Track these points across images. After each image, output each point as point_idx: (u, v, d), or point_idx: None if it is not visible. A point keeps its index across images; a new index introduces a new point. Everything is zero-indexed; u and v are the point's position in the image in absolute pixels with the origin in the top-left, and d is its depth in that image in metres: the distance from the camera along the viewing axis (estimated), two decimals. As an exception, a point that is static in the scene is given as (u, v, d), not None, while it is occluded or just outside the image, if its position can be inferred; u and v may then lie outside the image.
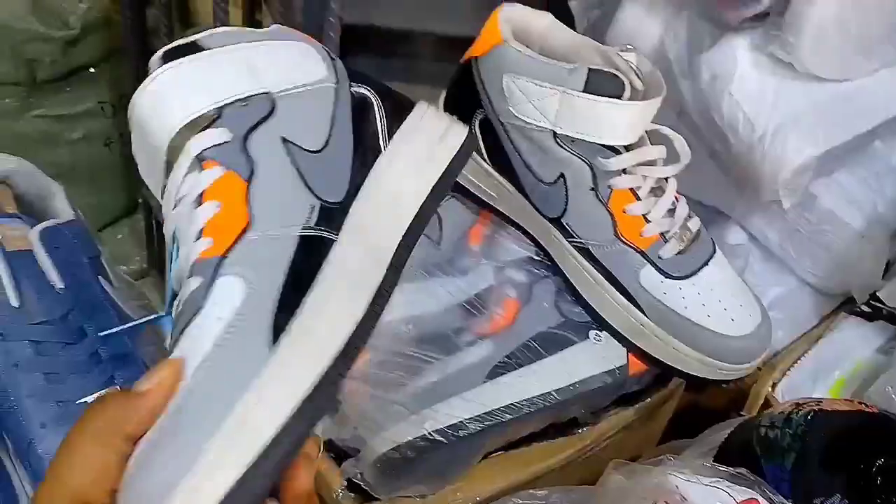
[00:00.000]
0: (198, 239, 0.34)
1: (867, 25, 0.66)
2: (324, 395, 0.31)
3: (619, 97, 0.49)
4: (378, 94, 0.41)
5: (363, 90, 0.41)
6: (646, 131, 0.52)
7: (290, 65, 0.39)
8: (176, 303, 0.34)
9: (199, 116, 0.36)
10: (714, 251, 0.54)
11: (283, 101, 0.38)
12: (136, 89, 0.36)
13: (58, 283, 0.44)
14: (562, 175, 0.52)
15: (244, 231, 0.34)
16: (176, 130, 0.36)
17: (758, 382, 0.68)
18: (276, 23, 0.66)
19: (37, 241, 0.45)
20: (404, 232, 0.38)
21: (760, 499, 0.38)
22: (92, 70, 1.19)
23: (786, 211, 0.71)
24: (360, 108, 0.40)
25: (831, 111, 0.68)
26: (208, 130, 0.36)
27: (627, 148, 0.51)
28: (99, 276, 0.47)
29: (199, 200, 0.35)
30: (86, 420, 0.31)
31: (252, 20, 0.94)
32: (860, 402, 0.45)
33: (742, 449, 0.46)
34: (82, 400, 0.42)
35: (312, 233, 0.35)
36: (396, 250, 0.37)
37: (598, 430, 0.58)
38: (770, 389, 0.66)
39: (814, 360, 0.69)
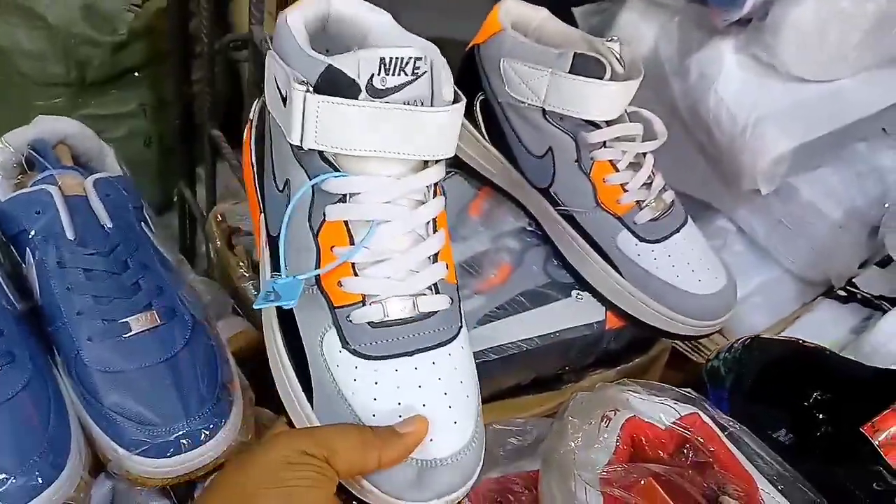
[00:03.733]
0: None
1: (845, 31, 0.72)
2: None
3: (601, 78, 0.55)
4: None
5: None
6: (627, 112, 0.59)
7: None
8: None
9: None
10: (686, 222, 0.59)
11: None
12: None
13: (107, 224, 0.51)
14: (550, 149, 0.59)
15: None
16: None
17: (736, 357, 0.73)
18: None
19: (91, 189, 0.52)
20: None
21: (702, 414, 0.43)
22: (136, 74, 1.26)
23: (768, 201, 0.77)
24: None
25: (810, 108, 0.73)
26: None
27: (608, 123, 0.57)
28: (141, 223, 0.54)
29: None
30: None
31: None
32: (799, 339, 0.50)
33: (694, 384, 0.51)
34: (124, 319, 0.49)
35: None
36: None
37: (578, 386, 0.64)
38: (747, 363, 0.71)
39: (790, 337, 0.74)
